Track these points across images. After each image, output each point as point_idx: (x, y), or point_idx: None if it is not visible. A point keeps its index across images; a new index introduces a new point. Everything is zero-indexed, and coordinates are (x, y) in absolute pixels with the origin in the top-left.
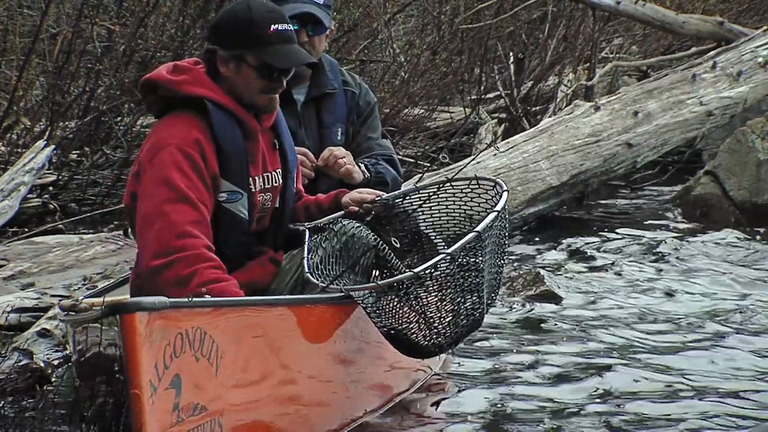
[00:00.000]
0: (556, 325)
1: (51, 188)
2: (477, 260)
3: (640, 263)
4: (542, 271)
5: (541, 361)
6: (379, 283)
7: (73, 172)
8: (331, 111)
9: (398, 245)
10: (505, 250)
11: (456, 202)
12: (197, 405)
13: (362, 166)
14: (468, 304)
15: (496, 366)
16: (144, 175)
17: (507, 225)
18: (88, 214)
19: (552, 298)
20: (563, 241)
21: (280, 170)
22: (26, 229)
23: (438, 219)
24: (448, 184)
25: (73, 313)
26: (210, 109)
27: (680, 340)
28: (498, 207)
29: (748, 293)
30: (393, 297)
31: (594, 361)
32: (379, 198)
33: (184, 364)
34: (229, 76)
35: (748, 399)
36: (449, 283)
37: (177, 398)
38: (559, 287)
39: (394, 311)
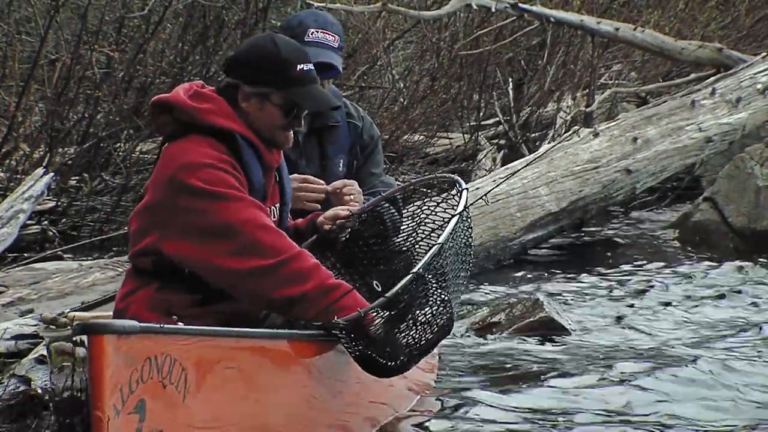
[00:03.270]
0: (555, 351)
1: (50, 215)
2: (442, 268)
3: (639, 290)
4: (541, 298)
5: (540, 389)
6: (360, 311)
7: (72, 198)
8: (334, 143)
9: (380, 288)
10: (471, 249)
11: (421, 207)
12: None
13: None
14: (435, 314)
15: (491, 393)
16: (185, 196)
17: (470, 223)
18: (88, 241)
19: (551, 324)
20: (562, 267)
21: (278, 205)
22: (25, 255)
23: (409, 225)
24: (413, 188)
25: (53, 327)
26: (240, 143)
27: (677, 367)
28: (458, 209)
29: (747, 320)
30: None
31: (595, 389)
32: (351, 213)
33: (150, 390)
34: (250, 112)
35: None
36: (416, 300)
37: (140, 423)
38: (559, 314)
39: (366, 337)
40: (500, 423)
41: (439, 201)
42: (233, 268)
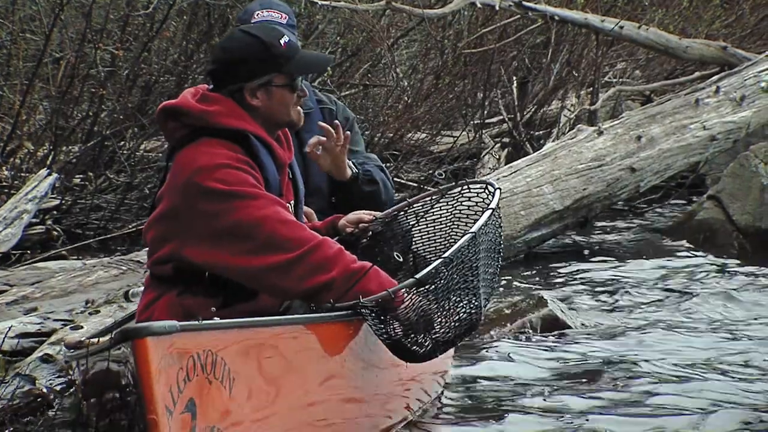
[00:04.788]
0: (558, 349)
1: (54, 212)
2: (473, 262)
3: (643, 288)
4: (545, 296)
5: (543, 387)
6: (389, 291)
7: (77, 196)
8: (310, 130)
9: (401, 259)
10: (501, 248)
11: (451, 211)
12: (214, 428)
13: (350, 162)
14: (465, 305)
15: (500, 390)
16: (203, 199)
17: (501, 222)
18: (92, 240)
19: (555, 322)
20: (566, 265)
21: (293, 201)
22: (28, 252)
23: (435, 229)
24: (441, 195)
25: (82, 350)
26: (254, 143)
27: (681, 365)
28: (492, 205)
29: (752, 319)
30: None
31: (598, 387)
32: (374, 218)
33: (197, 388)
34: (260, 105)
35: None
36: (447, 287)
37: (193, 421)
38: (562, 312)
39: (395, 319)
40: (504, 421)
41: (469, 198)
42: (258, 265)
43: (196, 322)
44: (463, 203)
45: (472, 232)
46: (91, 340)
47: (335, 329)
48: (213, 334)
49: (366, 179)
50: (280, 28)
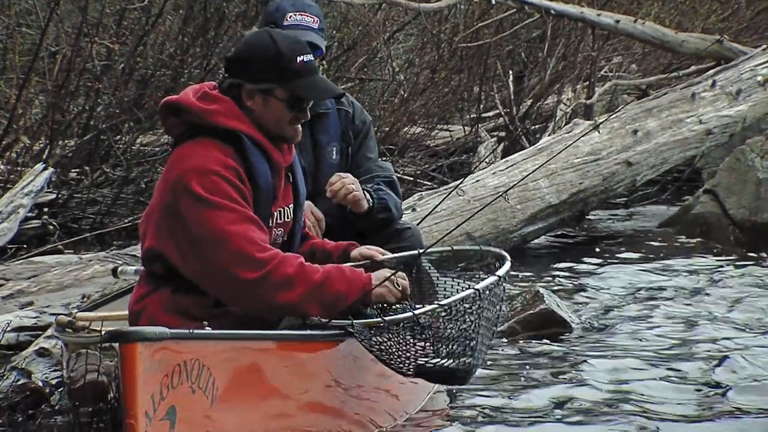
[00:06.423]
0: (554, 344)
1: (51, 207)
2: (469, 317)
3: (639, 283)
4: (541, 290)
5: (539, 382)
6: (385, 319)
7: (73, 190)
8: (326, 131)
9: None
10: (499, 322)
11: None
12: None
13: (366, 194)
14: (452, 357)
15: (495, 387)
16: (186, 201)
17: (504, 294)
18: (88, 234)
19: (551, 317)
20: (562, 260)
21: (292, 205)
22: (24, 246)
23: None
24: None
25: (70, 331)
26: (247, 144)
27: (676, 360)
28: (500, 272)
29: (749, 313)
30: (389, 334)
31: (593, 382)
32: (382, 261)
33: (180, 396)
34: (255, 109)
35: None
36: (438, 331)
37: (171, 430)
38: (559, 306)
39: (387, 346)
40: (499, 418)
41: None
42: (222, 281)
43: (187, 332)
44: (473, 264)
45: (475, 289)
46: (80, 316)
47: (323, 347)
48: (202, 343)
49: (380, 207)
50: (308, 39)
